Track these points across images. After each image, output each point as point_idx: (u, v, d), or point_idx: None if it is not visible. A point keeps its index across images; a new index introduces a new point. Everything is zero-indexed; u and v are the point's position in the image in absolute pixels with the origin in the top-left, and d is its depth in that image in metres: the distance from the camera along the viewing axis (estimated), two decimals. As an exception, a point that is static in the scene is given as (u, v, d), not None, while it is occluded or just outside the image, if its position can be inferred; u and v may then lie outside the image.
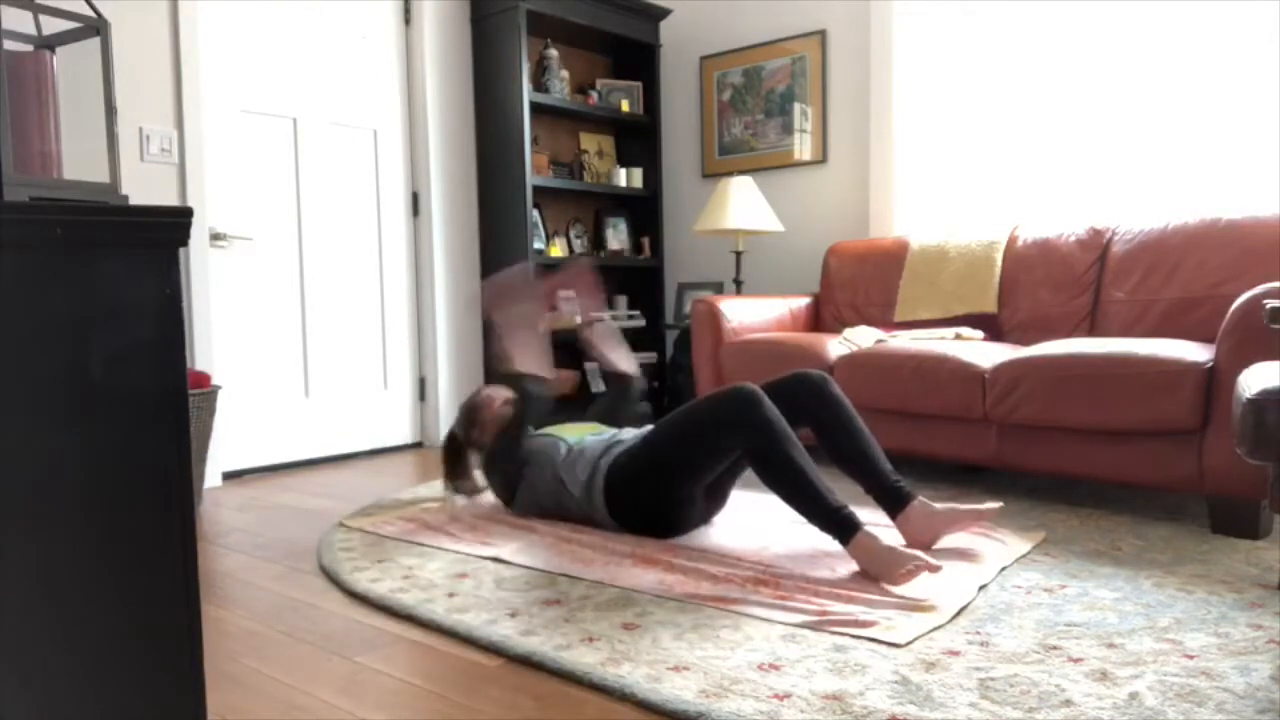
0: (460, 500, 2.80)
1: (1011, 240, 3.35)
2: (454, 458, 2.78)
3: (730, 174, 4.17)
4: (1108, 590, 1.90)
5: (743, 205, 3.93)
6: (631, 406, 2.89)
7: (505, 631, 1.75)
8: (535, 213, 4.14)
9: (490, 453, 2.65)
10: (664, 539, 2.31)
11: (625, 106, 4.51)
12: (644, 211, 4.69)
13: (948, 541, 2.19)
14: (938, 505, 2.20)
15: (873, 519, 2.18)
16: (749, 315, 3.59)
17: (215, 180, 3.36)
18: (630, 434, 2.48)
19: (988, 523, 2.23)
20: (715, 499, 2.44)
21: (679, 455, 2.25)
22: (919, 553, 1.94)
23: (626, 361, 2.95)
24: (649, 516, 2.34)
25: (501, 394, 2.76)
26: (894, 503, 2.21)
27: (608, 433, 2.58)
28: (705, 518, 2.45)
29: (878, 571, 1.93)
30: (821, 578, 1.97)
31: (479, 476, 2.77)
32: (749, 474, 2.36)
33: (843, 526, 1.99)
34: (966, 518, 2.18)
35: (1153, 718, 1.34)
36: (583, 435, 2.59)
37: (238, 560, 2.36)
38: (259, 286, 3.50)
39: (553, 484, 2.49)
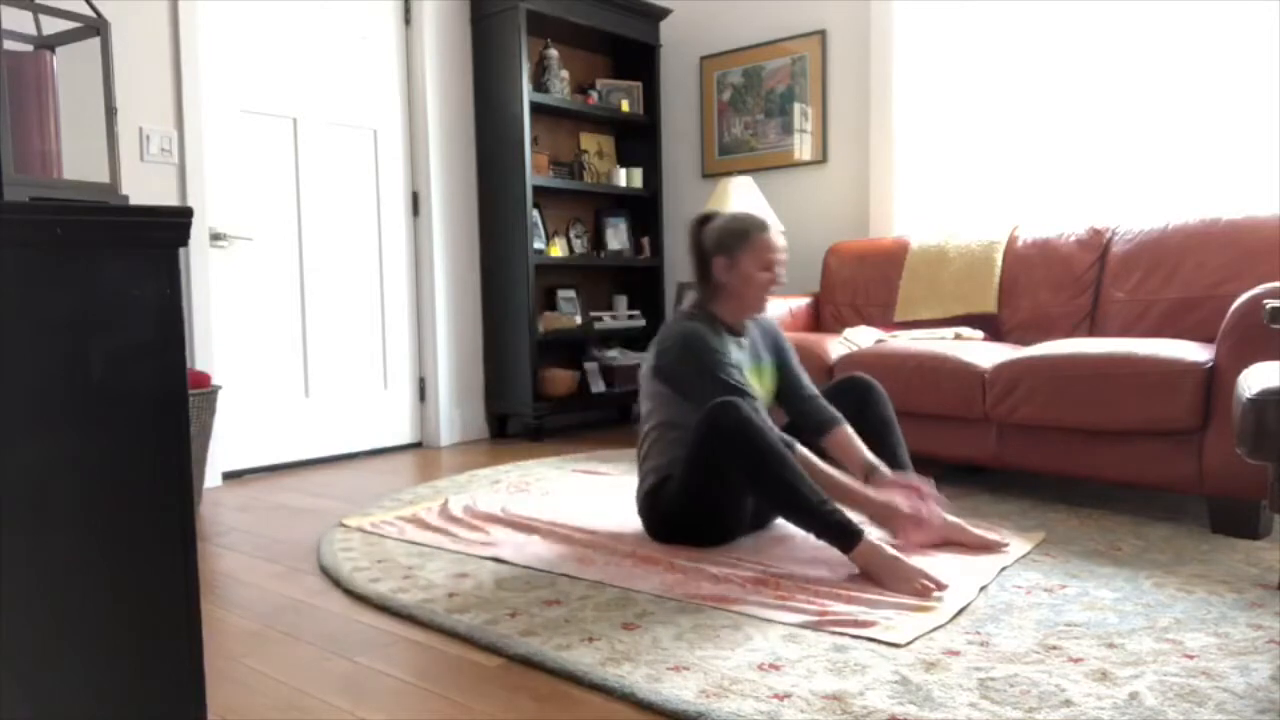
0: None
1: (1011, 240, 3.35)
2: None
3: (730, 174, 4.17)
4: (1108, 590, 1.90)
5: (743, 205, 3.92)
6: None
7: (505, 631, 1.75)
8: (535, 213, 4.14)
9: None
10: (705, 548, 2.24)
11: (625, 106, 4.51)
12: (644, 211, 4.69)
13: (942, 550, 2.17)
14: (950, 517, 2.21)
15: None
16: (749, 315, 3.58)
17: (215, 180, 3.36)
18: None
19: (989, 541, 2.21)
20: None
21: (695, 479, 2.20)
22: (924, 569, 1.90)
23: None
24: (687, 531, 2.27)
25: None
26: None
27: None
28: (758, 522, 2.37)
29: (880, 580, 1.92)
30: (821, 578, 1.97)
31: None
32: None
33: (844, 534, 1.98)
34: (971, 540, 2.18)
35: (1153, 718, 1.34)
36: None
37: (238, 560, 2.36)
38: (259, 286, 3.50)
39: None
